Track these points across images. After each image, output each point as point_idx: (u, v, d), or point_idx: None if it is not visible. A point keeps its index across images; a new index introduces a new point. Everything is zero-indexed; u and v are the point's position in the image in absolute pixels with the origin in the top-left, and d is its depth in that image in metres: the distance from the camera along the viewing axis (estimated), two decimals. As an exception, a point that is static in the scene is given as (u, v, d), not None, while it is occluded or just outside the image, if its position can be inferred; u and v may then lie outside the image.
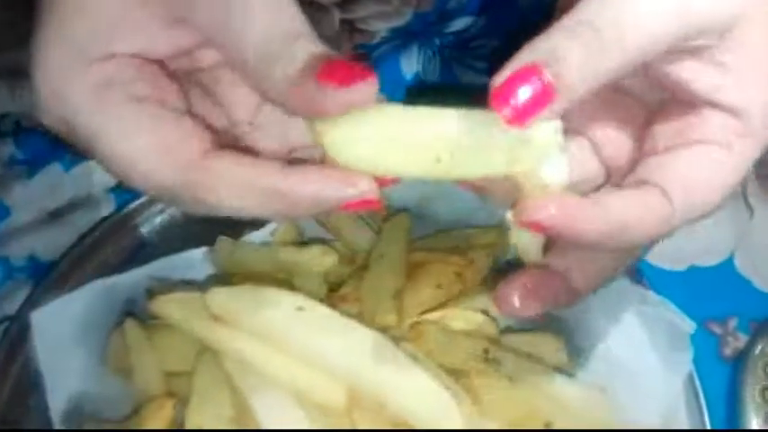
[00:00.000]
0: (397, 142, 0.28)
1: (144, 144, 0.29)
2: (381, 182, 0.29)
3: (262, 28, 0.29)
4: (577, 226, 0.28)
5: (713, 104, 0.31)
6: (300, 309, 0.37)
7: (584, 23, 0.28)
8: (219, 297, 0.37)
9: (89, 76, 0.30)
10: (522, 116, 0.27)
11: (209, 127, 0.32)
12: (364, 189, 0.28)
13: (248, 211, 0.30)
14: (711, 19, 0.29)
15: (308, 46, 0.29)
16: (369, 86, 0.27)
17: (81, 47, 0.30)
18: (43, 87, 0.30)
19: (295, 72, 0.28)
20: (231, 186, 0.29)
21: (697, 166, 0.31)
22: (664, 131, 0.32)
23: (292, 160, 0.32)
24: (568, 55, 0.27)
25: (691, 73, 0.30)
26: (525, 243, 0.31)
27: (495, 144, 0.28)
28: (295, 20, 0.30)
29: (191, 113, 0.32)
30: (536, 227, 0.28)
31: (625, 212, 0.29)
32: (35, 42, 0.31)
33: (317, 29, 0.69)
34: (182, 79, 0.33)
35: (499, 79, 0.27)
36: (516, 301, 0.32)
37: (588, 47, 0.27)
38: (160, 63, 0.32)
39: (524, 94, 0.27)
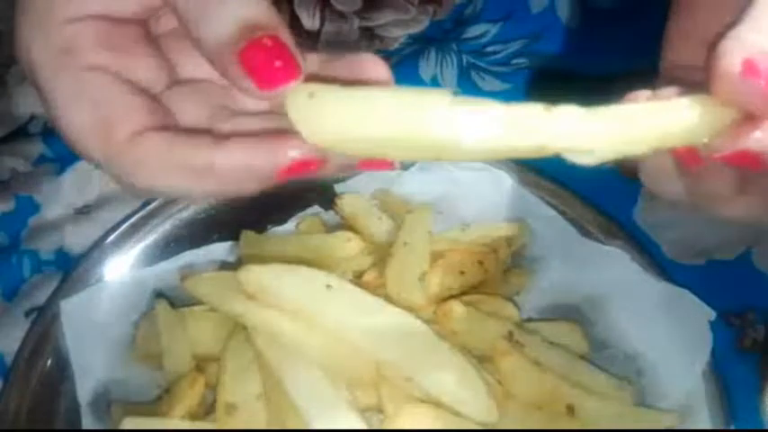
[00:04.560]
0: (381, 127, 0.26)
1: (82, 119, 0.29)
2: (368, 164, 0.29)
3: None
4: None
5: None
6: (329, 287, 0.38)
7: None
8: (252, 274, 0.38)
9: (52, 38, 0.30)
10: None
11: (167, 110, 0.31)
12: (295, 154, 0.27)
13: (180, 190, 0.29)
14: None
15: (239, 11, 0.28)
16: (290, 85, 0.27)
17: (51, 6, 0.30)
18: (18, 36, 0.31)
19: (222, 39, 0.28)
20: (159, 167, 0.29)
21: None
22: None
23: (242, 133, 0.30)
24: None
25: None
26: None
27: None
28: None
29: (146, 91, 0.31)
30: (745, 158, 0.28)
31: None
32: None
33: (337, 36, 0.70)
34: (157, 45, 0.33)
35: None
36: None
37: None
38: (135, 26, 0.32)
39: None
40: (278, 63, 0.27)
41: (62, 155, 0.57)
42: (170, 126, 0.30)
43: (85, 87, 0.30)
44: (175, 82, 0.32)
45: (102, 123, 0.29)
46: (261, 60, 0.27)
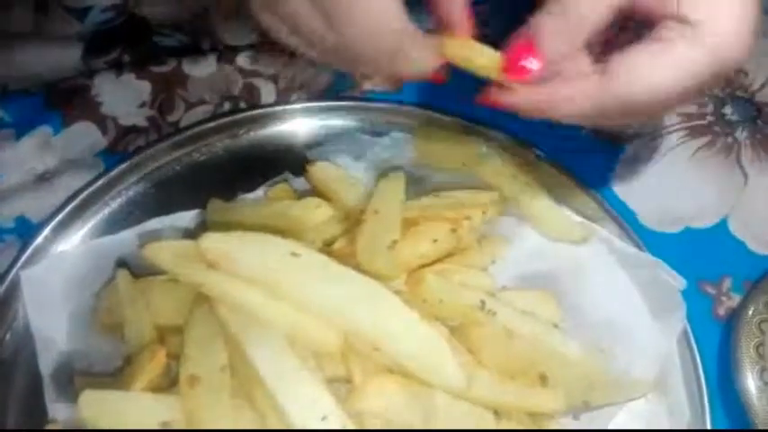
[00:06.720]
0: None
1: None
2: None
3: None
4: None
5: (664, 15, 0.35)
6: (295, 254, 0.37)
7: None
8: (213, 242, 0.36)
9: None
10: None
11: None
12: None
13: None
14: None
15: None
16: None
17: None
18: None
19: None
20: None
21: (639, 56, 0.35)
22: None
23: None
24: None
25: None
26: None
27: None
28: None
29: None
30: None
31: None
32: None
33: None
34: None
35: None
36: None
37: None
38: None
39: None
40: None
41: (21, 119, 0.55)
42: None
43: None
44: None
45: None
46: None
